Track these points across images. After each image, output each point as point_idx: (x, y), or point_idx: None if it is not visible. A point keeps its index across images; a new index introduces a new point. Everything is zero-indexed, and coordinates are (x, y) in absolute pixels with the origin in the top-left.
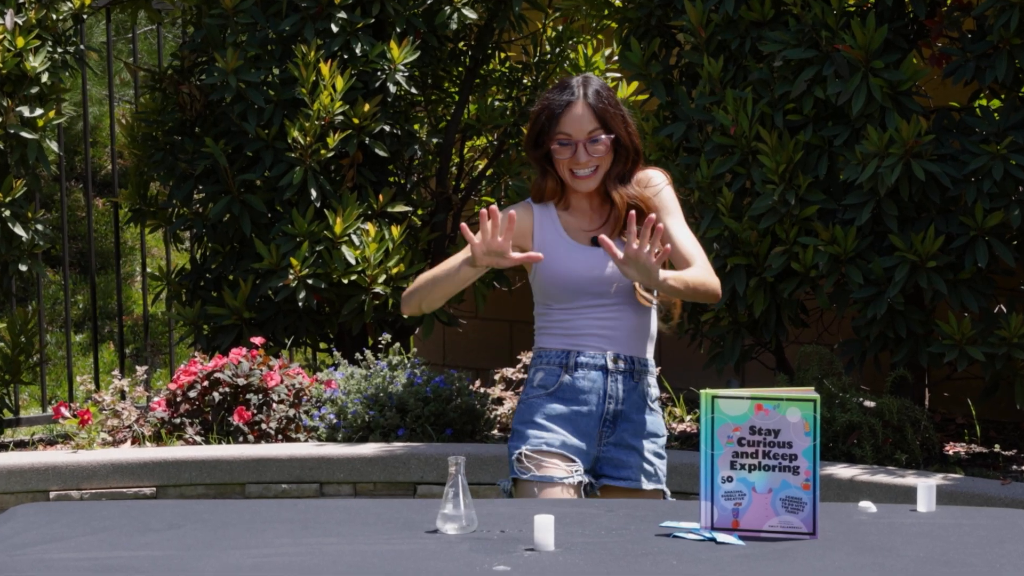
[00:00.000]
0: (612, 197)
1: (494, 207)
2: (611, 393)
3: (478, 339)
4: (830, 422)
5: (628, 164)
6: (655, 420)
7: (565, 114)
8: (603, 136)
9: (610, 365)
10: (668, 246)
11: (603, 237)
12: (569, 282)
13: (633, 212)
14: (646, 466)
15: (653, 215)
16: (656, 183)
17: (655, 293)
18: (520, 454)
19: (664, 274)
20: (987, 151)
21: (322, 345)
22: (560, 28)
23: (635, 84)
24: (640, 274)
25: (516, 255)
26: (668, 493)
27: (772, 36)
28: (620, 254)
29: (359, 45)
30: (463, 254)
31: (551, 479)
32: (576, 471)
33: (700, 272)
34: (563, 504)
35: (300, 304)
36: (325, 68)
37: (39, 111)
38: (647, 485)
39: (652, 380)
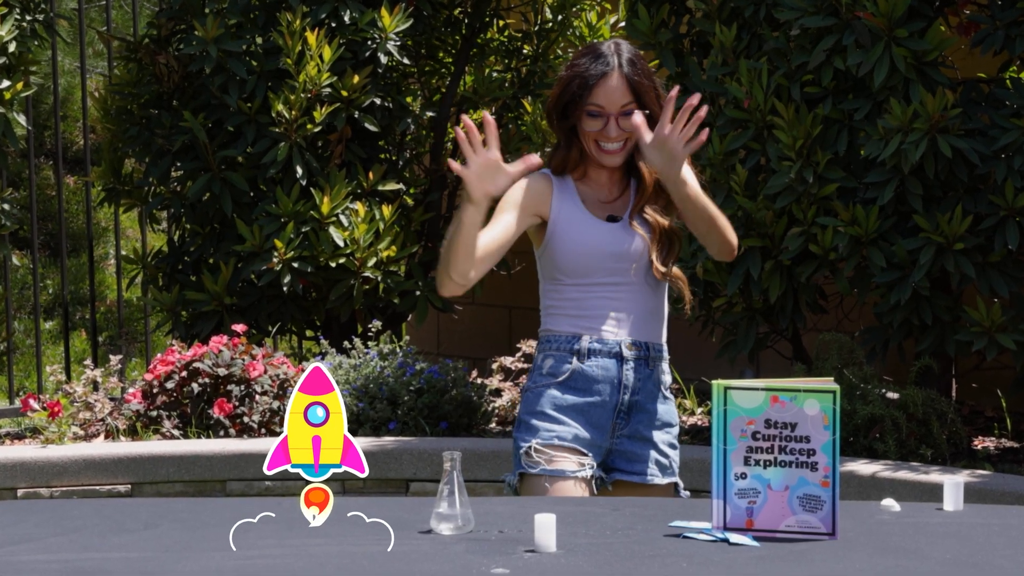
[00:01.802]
0: (640, 171)
1: (467, 119)
2: (626, 382)
3: (475, 326)
4: (851, 415)
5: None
6: (669, 409)
7: (599, 85)
8: (636, 110)
9: (625, 352)
10: (704, 135)
11: (636, 115)
12: (585, 255)
13: (675, 90)
14: (660, 459)
15: (698, 96)
16: None
17: (669, 268)
18: (530, 447)
19: (689, 177)
20: (1018, 126)
21: (308, 333)
22: None
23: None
24: (665, 161)
25: (514, 168)
26: (682, 485)
27: (789, 3)
28: (648, 137)
29: (348, 12)
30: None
31: (562, 473)
32: (589, 465)
33: (723, 217)
34: (566, 503)
35: (285, 289)
36: (312, 37)
37: (6, 83)
38: (662, 480)
39: (666, 367)
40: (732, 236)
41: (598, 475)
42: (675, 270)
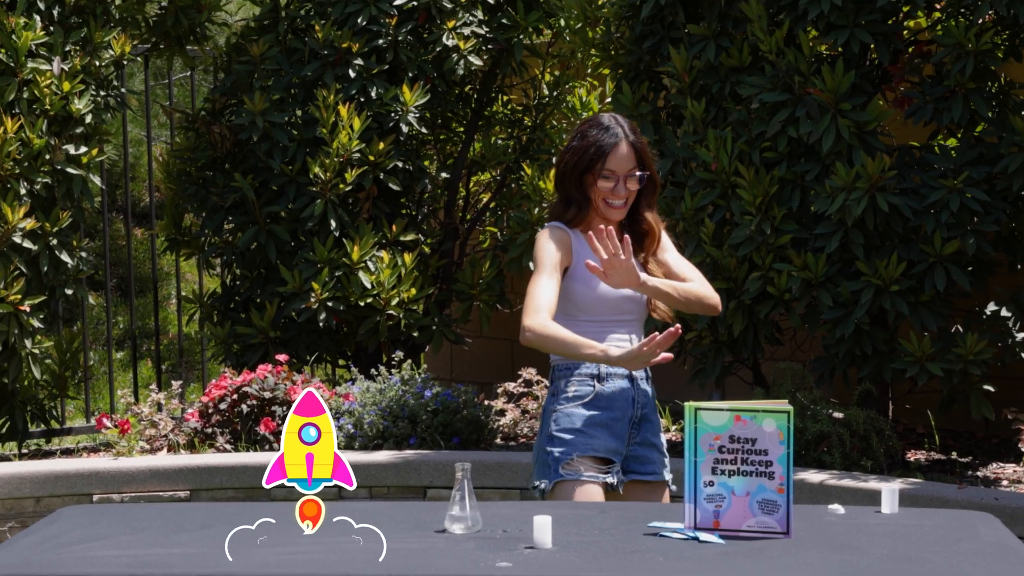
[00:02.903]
0: (647, 221)
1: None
2: (638, 399)
3: (483, 356)
4: (802, 431)
5: (655, 195)
6: (658, 418)
7: (612, 153)
8: (638, 173)
9: (634, 374)
10: (627, 238)
11: (588, 262)
12: (603, 299)
13: (591, 232)
14: (663, 458)
15: (601, 227)
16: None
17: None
18: (571, 459)
19: (651, 279)
20: (945, 185)
21: (341, 362)
22: (557, 73)
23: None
24: (622, 277)
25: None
26: (671, 479)
27: (749, 81)
28: (602, 270)
29: (374, 89)
30: (589, 349)
31: (594, 478)
32: (614, 471)
33: (696, 285)
34: (560, 507)
35: (321, 324)
36: (343, 110)
37: (84, 149)
38: (665, 476)
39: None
40: (713, 298)
41: (615, 480)
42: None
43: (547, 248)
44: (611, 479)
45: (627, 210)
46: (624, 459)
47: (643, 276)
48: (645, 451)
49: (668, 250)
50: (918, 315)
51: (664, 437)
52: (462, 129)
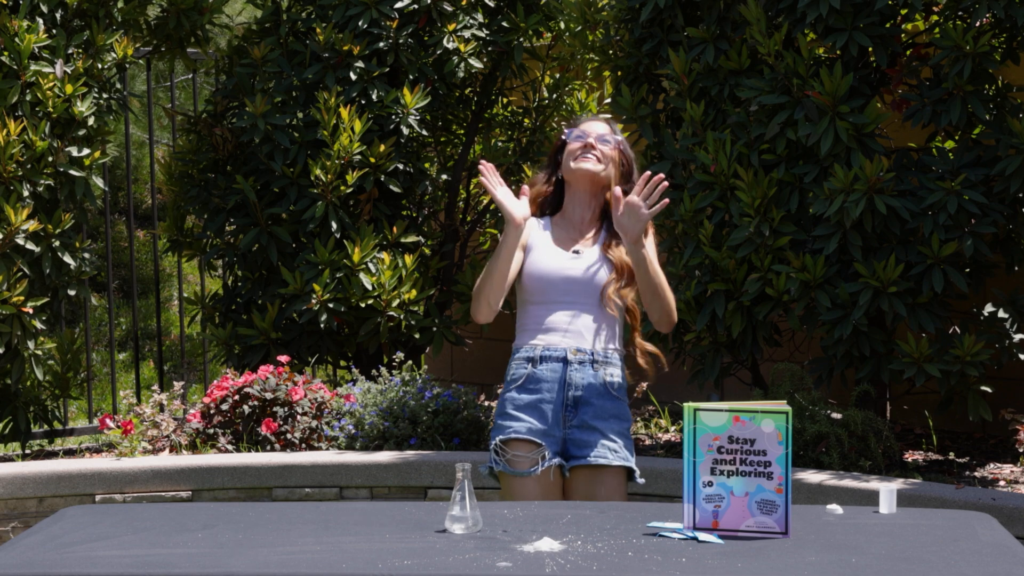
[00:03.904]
0: (612, 201)
1: (484, 163)
2: (570, 381)
3: (482, 358)
4: (800, 432)
5: (625, 182)
6: (617, 405)
7: (584, 122)
8: (612, 139)
9: (570, 356)
10: (667, 200)
11: (615, 188)
12: (546, 279)
13: (648, 173)
14: (609, 443)
15: (662, 175)
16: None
17: (621, 305)
18: (495, 445)
19: (649, 250)
20: (942, 187)
21: (342, 363)
22: (557, 76)
23: (621, 127)
24: (631, 223)
25: (524, 196)
26: (638, 472)
27: (748, 83)
28: (621, 207)
29: (375, 92)
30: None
31: (525, 473)
32: (541, 455)
33: (670, 295)
34: (558, 507)
35: (322, 326)
36: (344, 112)
37: (86, 151)
38: (612, 460)
39: (615, 371)
40: (672, 312)
41: (556, 464)
42: (648, 345)
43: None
44: (538, 471)
45: (595, 166)
46: (563, 442)
47: (644, 241)
48: (582, 434)
49: (650, 244)
50: (916, 316)
51: (620, 425)
52: (462, 131)
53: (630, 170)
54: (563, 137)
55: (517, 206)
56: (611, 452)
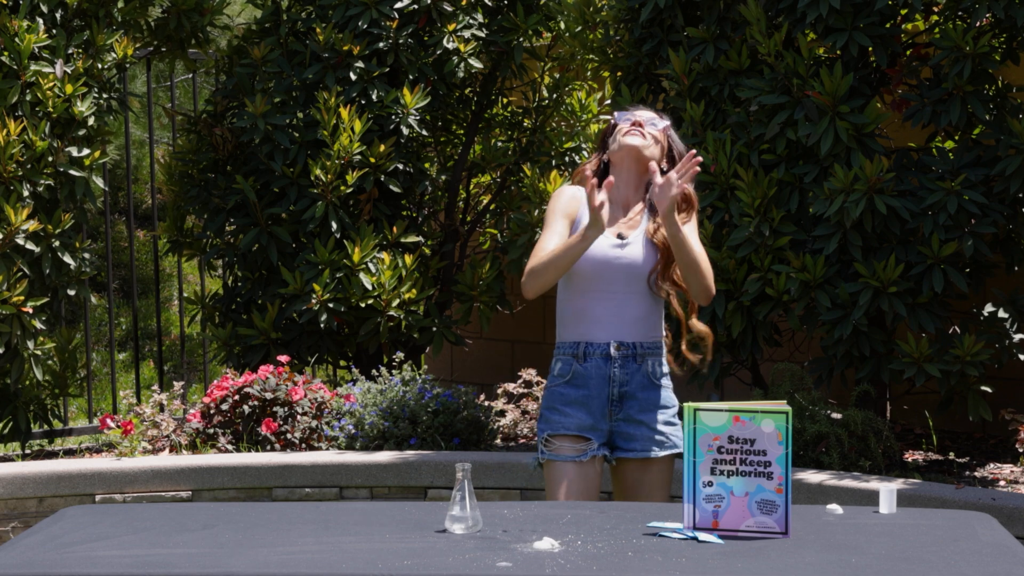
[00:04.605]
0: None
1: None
2: (613, 377)
3: (483, 357)
4: (801, 432)
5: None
6: (663, 394)
7: (633, 110)
8: (660, 123)
9: (613, 352)
10: (697, 168)
11: (652, 162)
12: (590, 268)
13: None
14: (656, 436)
15: (694, 151)
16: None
17: (667, 284)
18: (544, 437)
19: (688, 228)
20: (942, 187)
21: (342, 363)
22: (557, 76)
23: None
24: (662, 196)
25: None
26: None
27: (748, 83)
28: (660, 180)
29: (375, 92)
30: (574, 239)
31: (570, 458)
32: (589, 448)
33: (708, 268)
34: (558, 507)
35: (322, 326)
36: (344, 112)
37: (86, 151)
38: (658, 453)
39: (658, 360)
40: (710, 285)
41: (601, 453)
42: (700, 325)
43: (554, 204)
44: (584, 458)
45: (644, 142)
46: (610, 434)
47: (679, 218)
48: (629, 428)
49: (691, 226)
50: (916, 316)
51: (666, 414)
52: (462, 131)
53: (675, 156)
54: (612, 120)
55: (606, 212)
56: (657, 446)
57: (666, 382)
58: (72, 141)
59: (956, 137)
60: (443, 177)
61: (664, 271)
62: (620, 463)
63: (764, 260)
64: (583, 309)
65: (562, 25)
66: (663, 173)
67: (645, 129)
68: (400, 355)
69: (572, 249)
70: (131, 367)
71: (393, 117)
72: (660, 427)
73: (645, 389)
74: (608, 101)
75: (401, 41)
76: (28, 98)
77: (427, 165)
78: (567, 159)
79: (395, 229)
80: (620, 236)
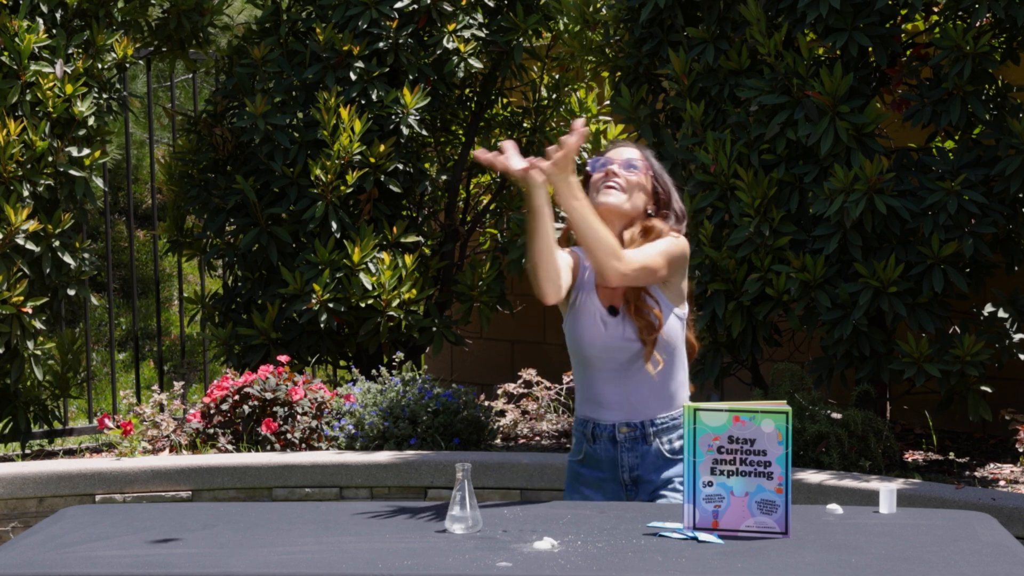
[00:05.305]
0: (649, 221)
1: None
2: (623, 463)
3: (483, 357)
4: (801, 432)
5: (667, 208)
6: (675, 469)
7: (612, 148)
8: (640, 164)
9: (619, 435)
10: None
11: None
12: (584, 349)
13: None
14: (674, 493)
15: (582, 119)
16: (662, 231)
17: (659, 358)
18: None
19: (636, 246)
20: (942, 187)
21: (342, 363)
22: (557, 76)
23: (620, 127)
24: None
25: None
26: None
27: (748, 83)
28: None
29: (375, 92)
30: (527, 210)
31: None
32: None
33: (609, 238)
34: (558, 507)
35: (322, 326)
36: (344, 112)
37: (86, 151)
38: (678, 499)
39: (672, 435)
40: (603, 260)
41: None
42: (690, 337)
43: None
44: None
45: (621, 199)
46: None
47: (566, 187)
48: (647, 496)
49: (651, 243)
50: (916, 316)
51: (676, 482)
52: (462, 131)
53: (666, 197)
54: (587, 168)
55: (518, 164)
56: (676, 493)
57: (678, 455)
58: (72, 141)
59: (956, 137)
60: (443, 177)
61: (656, 341)
62: None
63: (764, 260)
64: (588, 387)
65: (562, 25)
66: (647, 217)
67: (621, 175)
68: (400, 355)
69: (532, 224)
70: (131, 367)
71: (393, 117)
72: (670, 495)
73: (659, 470)
74: (608, 101)
75: (401, 41)
76: (28, 98)
77: (427, 165)
78: None
79: (395, 229)
80: (611, 309)
